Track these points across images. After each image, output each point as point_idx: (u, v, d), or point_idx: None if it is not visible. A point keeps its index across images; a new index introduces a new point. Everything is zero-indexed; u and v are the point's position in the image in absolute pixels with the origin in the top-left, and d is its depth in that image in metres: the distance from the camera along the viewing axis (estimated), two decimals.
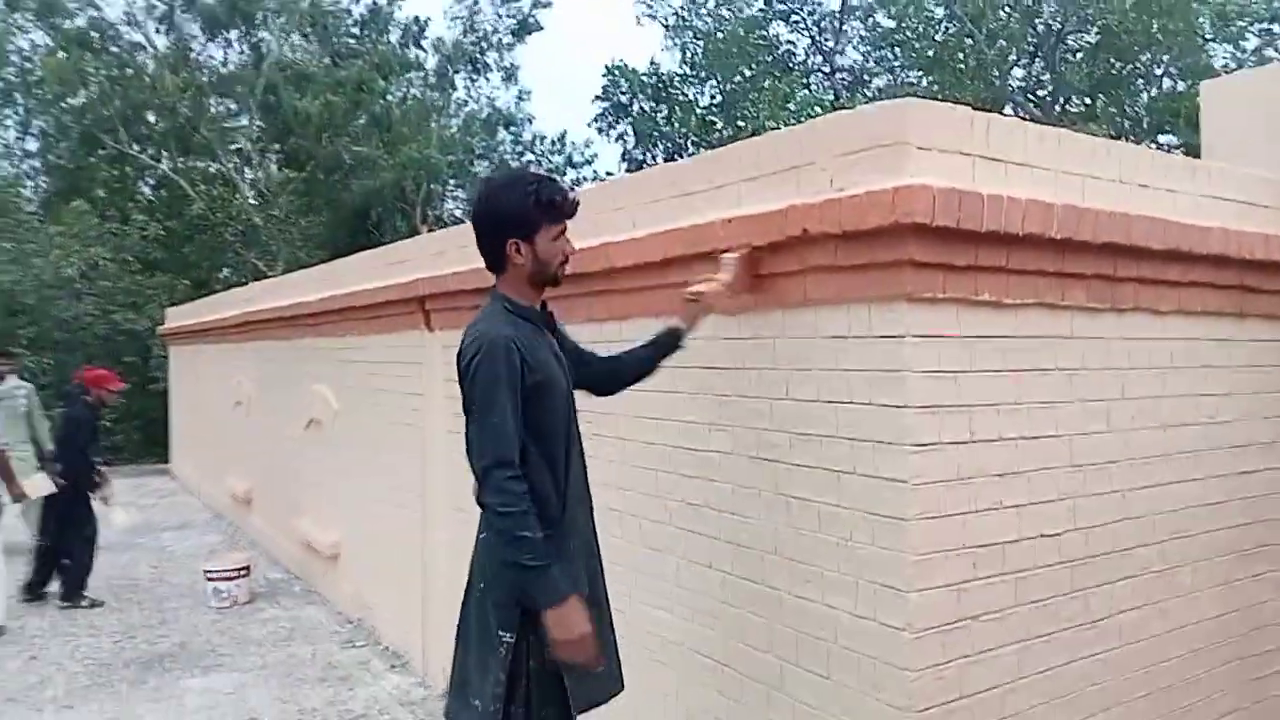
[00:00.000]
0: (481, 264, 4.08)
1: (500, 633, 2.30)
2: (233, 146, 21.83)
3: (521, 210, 2.36)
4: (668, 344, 2.75)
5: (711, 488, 2.96)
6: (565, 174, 26.39)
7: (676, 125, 23.29)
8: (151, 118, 21.45)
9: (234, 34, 22.47)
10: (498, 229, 2.40)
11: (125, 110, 20.59)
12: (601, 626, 2.49)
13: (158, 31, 22.08)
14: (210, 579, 6.33)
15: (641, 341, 2.80)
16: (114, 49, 21.27)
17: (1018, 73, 21.55)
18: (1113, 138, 17.86)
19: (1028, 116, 19.94)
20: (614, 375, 2.78)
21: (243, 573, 6.42)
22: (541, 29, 25.10)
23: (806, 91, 21.00)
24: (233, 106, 22.72)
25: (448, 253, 4.69)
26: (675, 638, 3.12)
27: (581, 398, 2.66)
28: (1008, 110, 20.11)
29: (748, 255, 2.64)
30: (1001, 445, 2.51)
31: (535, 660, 2.33)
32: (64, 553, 6.40)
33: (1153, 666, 2.91)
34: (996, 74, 20.09)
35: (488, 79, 25.87)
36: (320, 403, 6.48)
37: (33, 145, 23.51)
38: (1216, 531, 3.14)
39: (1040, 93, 21.40)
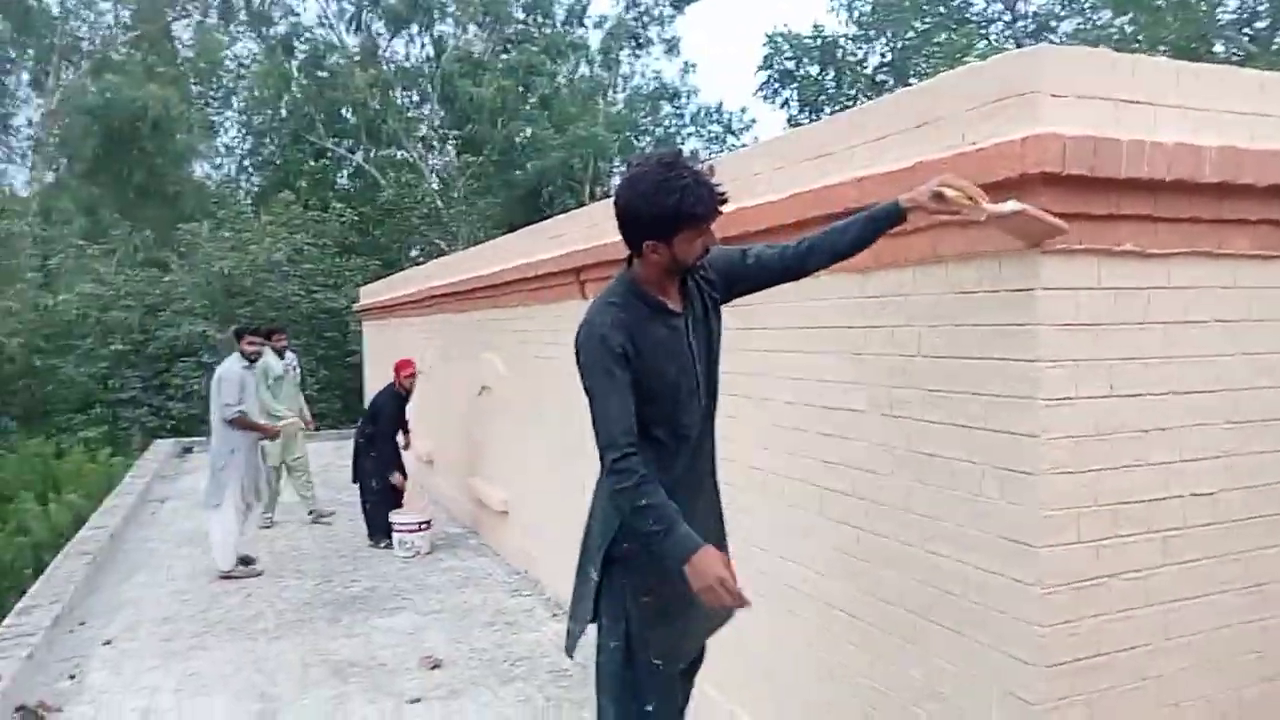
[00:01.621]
0: None
1: (590, 570, 2.46)
2: (416, 135, 23.25)
3: (662, 218, 2.28)
4: (885, 219, 2.42)
5: (847, 445, 3.00)
6: (725, 141, 26.36)
7: (845, 87, 22.68)
8: (345, 113, 23.19)
9: (414, 28, 23.86)
10: (636, 229, 2.35)
11: (325, 108, 22.39)
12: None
13: (348, 31, 23.80)
14: (397, 531, 6.95)
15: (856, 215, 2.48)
16: (312, 51, 23.12)
17: (1230, 4, 19.42)
18: None
19: (1240, 54, 18.00)
20: (823, 250, 2.50)
21: (424, 526, 7.00)
22: None
23: (986, 42, 19.86)
24: (415, 98, 24.19)
25: (600, 224, 4.90)
26: (810, 590, 3.19)
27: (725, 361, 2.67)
28: (1218, 48, 18.20)
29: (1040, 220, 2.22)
30: (1145, 400, 2.41)
31: (632, 601, 2.44)
32: (365, 500, 7.47)
33: None
34: (1204, 8, 18.19)
35: (650, 53, 26.23)
36: (491, 370, 6.92)
37: (248, 144, 26.04)
38: None
39: (1257, 25, 19.20)
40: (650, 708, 2.43)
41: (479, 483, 7.32)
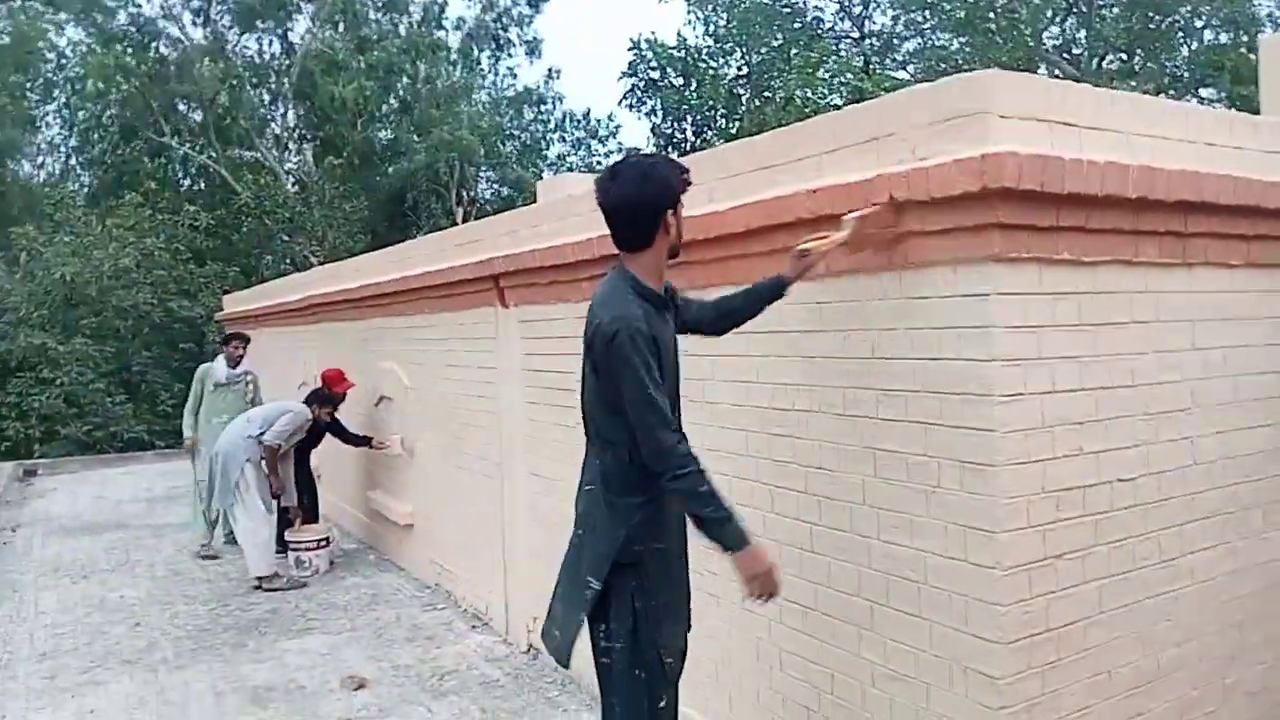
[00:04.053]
0: (557, 241, 4.28)
1: (589, 578, 2.50)
2: (269, 135, 22.16)
3: (674, 180, 2.58)
4: (770, 293, 2.89)
5: (799, 444, 3.14)
6: (590, 147, 26.52)
7: (705, 98, 23.25)
8: (187, 109, 21.82)
9: (268, 24, 22.75)
10: (660, 201, 2.56)
11: (165, 103, 20.98)
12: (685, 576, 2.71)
13: (194, 24, 22.43)
14: (293, 550, 6.63)
15: (744, 288, 2.96)
16: (152, 44, 21.64)
17: (1052, 31, 21.22)
18: (1152, 94, 17.65)
19: (1062, 76, 19.71)
20: (725, 317, 2.95)
21: (323, 543, 6.72)
22: None
23: (837, 58, 20.86)
24: (268, 96, 23.05)
25: (519, 231, 4.88)
26: None
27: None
28: (1042, 70, 19.85)
29: (870, 216, 2.67)
30: (1081, 395, 2.66)
31: (640, 602, 2.53)
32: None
33: (1224, 603, 3.06)
34: (1029, 33, 19.80)
35: (510, 55, 26.02)
36: (390, 379, 6.73)
37: (73, 140, 24.03)
38: None
39: (1075, 51, 21.08)
40: (663, 704, 2.49)
41: (379, 496, 7.09)
